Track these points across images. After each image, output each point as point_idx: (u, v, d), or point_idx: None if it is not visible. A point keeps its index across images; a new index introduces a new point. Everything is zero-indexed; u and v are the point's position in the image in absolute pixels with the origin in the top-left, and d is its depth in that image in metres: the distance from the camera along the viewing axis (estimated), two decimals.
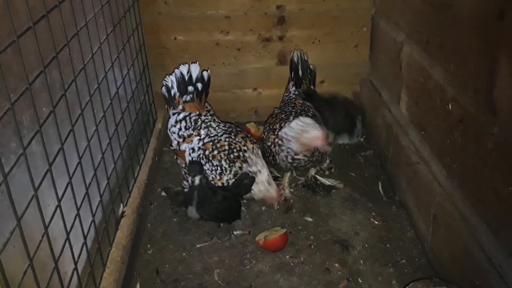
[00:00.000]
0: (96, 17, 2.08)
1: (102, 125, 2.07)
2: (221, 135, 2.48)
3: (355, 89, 3.46)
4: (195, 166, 2.29)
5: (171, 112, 2.64)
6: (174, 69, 2.61)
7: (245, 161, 2.40)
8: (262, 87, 3.40)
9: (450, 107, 2.00)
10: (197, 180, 2.24)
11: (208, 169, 2.38)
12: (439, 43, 2.13)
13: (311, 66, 2.98)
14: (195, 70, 2.58)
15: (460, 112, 1.92)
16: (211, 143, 2.44)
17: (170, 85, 2.61)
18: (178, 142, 2.56)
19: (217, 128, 2.54)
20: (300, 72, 2.93)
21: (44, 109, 1.53)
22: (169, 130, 2.63)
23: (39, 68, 1.48)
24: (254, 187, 2.40)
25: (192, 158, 2.46)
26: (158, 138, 3.06)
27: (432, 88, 2.20)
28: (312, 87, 2.96)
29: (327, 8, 3.15)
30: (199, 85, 2.58)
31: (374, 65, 3.25)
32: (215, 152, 2.40)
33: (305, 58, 2.95)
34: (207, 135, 2.49)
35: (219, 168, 2.37)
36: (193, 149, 2.47)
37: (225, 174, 2.37)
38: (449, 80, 2.02)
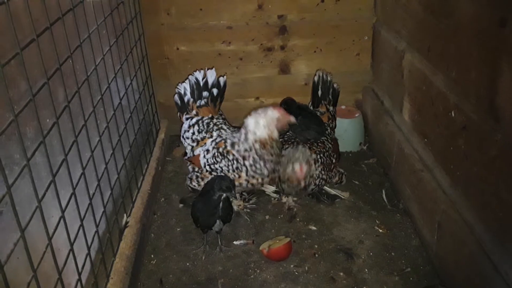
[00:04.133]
0: (99, 29, 2.09)
1: (105, 135, 2.07)
2: (231, 135, 2.52)
3: (357, 97, 3.46)
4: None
5: (184, 117, 2.68)
6: (188, 76, 2.64)
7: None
8: (264, 96, 3.41)
9: (453, 114, 2.00)
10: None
11: (225, 165, 2.41)
12: (440, 51, 2.13)
13: (335, 85, 2.96)
14: (211, 76, 2.61)
15: (463, 119, 1.92)
16: (223, 141, 2.48)
17: (183, 92, 2.65)
18: (192, 147, 2.59)
19: (227, 129, 2.59)
20: (319, 93, 2.92)
21: (48, 120, 1.54)
22: (183, 137, 2.66)
23: (42, 80, 1.49)
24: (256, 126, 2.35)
25: (207, 159, 2.49)
26: (161, 148, 3.06)
27: (435, 95, 2.20)
28: (332, 107, 2.95)
29: (328, 17, 3.17)
30: (215, 91, 2.62)
31: (376, 73, 3.25)
32: (229, 147, 2.43)
33: (328, 78, 2.92)
34: (218, 135, 2.54)
35: (235, 161, 2.39)
36: (207, 150, 2.51)
37: (241, 170, 2.39)
38: (451, 88, 2.02)
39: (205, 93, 2.62)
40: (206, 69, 2.63)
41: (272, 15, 3.16)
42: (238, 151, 2.40)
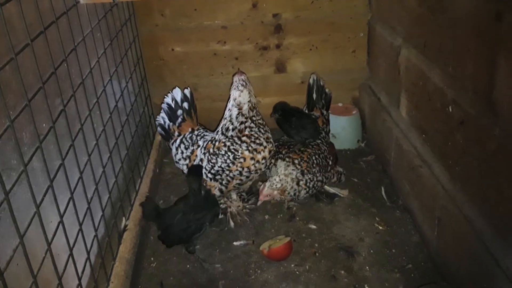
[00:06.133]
0: (93, 32, 2.08)
1: (102, 139, 2.06)
2: (215, 134, 2.55)
3: (354, 94, 3.46)
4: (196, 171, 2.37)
5: (170, 144, 2.71)
6: (161, 104, 2.69)
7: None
8: (260, 95, 3.38)
9: (450, 110, 2.00)
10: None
11: (223, 162, 2.41)
12: (437, 46, 2.13)
13: (326, 90, 2.97)
14: (177, 94, 2.66)
15: (460, 114, 1.91)
16: (209, 142, 2.50)
17: (162, 121, 2.70)
18: (187, 166, 2.60)
19: (211, 134, 2.62)
20: (314, 96, 2.93)
21: (44, 125, 1.53)
22: (177, 162, 2.68)
23: (38, 85, 1.48)
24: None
25: (205, 167, 2.49)
26: (158, 150, 3.05)
27: (432, 91, 2.19)
28: (325, 111, 2.96)
29: (323, 15, 3.17)
30: (186, 105, 2.66)
31: (372, 70, 3.25)
32: (216, 143, 2.45)
33: (321, 83, 2.93)
34: (205, 141, 2.56)
35: (229, 153, 2.40)
36: (201, 160, 2.51)
37: (238, 155, 2.39)
38: (449, 83, 2.02)
39: (179, 112, 2.67)
40: (171, 91, 2.66)
41: (267, 13, 3.15)
42: (234, 129, 2.42)
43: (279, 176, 2.55)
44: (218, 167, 2.43)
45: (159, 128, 2.74)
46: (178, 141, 2.65)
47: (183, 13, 3.11)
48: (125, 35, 2.63)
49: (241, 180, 2.47)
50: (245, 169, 2.41)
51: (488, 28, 1.67)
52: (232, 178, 2.46)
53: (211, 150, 2.46)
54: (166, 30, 3.15)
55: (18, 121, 1.32)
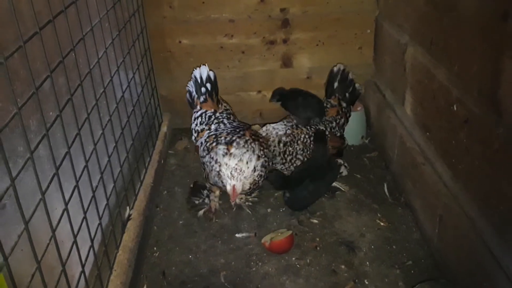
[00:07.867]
0: (101, 22, 2.09)
1: (108, 128, 2.08)
2: (227, 130, 2.51)
3: None
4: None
5: (193, 112, 2.80)
6: (191, 74, 2.77)
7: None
8: (266, 89, 3.40)
9: (455, 108, 2.00)
10: None
11: (208, 161, 2.40)
12: (443, 45, 2.13)
13: (357, 85, 2.96)
14: (203, 72, 2.72)
15: (465, 113, 1.92)
16: (213, 136, 2.49)
17: (190, 89, 2.79)
18: (195, 137, 2.69)
19: (228, 124, 2.61)
20: (335, 84, 2.92)
21: (51, 113, 1.54)
22: (192, 129, 2.77)
23: (45, 73, 1.49)
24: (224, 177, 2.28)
25: (201, 151, 2.52)
26: (164, 141, 3.07)
27: (437, 89, 2.19)
28: (345, 104, 2.95)
29: (330, 10, 3.16)
30: (208, 85, 2.72)
31: (378, 67, 3.25)
32: (214, 144, 2.41)
33: (350, 77, 2.94)
34: (215, 130, 2.57)
35: (213, 161, 2.37)
36: (201, 143, 2.56)
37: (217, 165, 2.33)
38: (454, 81, 2.02)
39: (203, 89, 2.72)
40: (201, 66, 2.71)
41: (275, 8, 3.15)
42: (216, 152, 2.34)
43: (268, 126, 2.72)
44: (204, 160, 2.45)
45: (187, 95, 2.82)
46: (198, 113, 2.73)
47: (191, 6, 3.11)
48: (133, 26, 2.64)
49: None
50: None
51: (494, 27, 1.67)
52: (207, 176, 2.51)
53: (207, 144, 2.45)
54: (174, 22, 3.15)
55: (25, 109, 1.34)
